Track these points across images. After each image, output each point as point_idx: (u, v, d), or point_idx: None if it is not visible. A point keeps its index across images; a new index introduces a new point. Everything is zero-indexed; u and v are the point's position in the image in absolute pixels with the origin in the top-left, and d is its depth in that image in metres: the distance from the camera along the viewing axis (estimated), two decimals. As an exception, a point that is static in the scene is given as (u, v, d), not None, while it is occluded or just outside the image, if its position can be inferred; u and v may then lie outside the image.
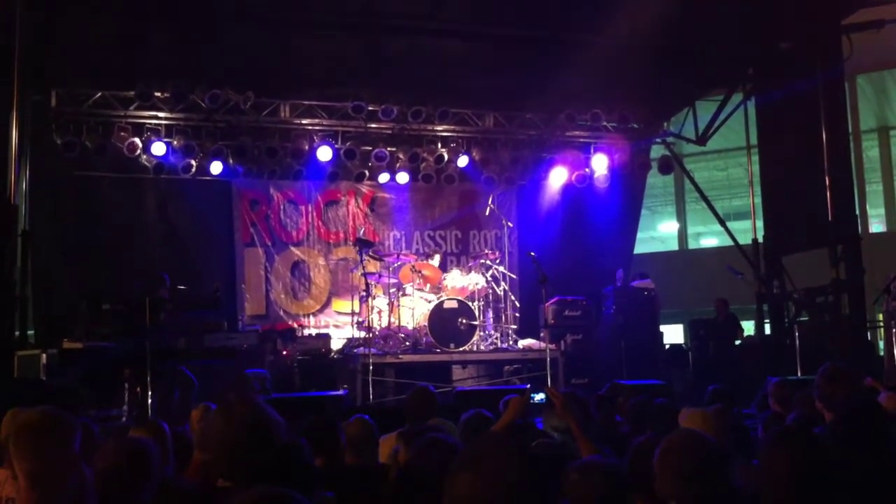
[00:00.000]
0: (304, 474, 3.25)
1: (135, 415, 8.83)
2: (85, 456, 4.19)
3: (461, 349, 12.20)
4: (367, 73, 13.29)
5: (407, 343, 12.38)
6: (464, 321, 12.13)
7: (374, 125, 14.44)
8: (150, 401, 8.74)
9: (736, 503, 3.06)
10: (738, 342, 14.22)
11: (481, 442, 2.35)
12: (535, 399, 4.62)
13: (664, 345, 14.72)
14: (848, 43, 12.55)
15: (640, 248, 19.06)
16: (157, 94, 13.21)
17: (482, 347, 12.62)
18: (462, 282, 12.83)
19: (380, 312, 12.54)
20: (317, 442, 4.64)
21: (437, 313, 12.11)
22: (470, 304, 12.33)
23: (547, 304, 12.72)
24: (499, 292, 13.32)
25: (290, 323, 14.61)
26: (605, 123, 15.09)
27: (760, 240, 14.50)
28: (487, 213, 14.29)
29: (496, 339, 12.98)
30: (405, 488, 3.49)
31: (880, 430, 3.73)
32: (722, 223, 16.17)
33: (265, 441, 3.07)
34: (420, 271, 12.74)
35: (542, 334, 12.82)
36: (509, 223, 14.79)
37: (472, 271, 13.21)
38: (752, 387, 9.36)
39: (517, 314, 13.85)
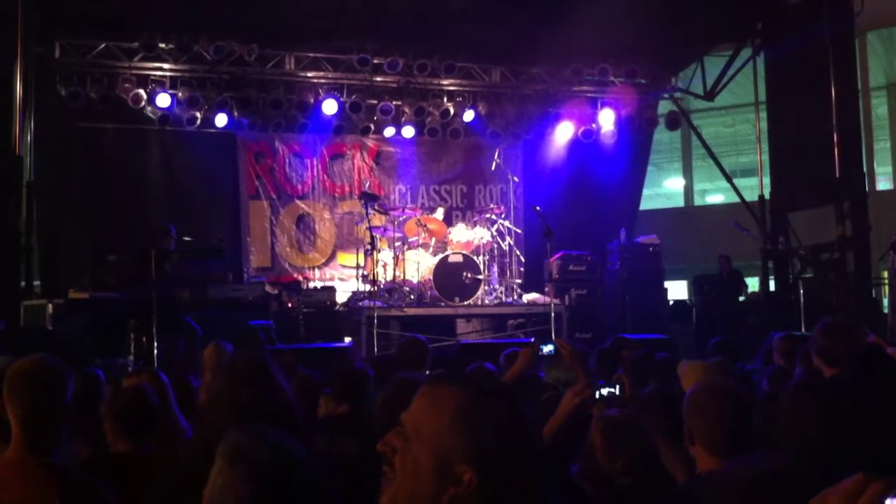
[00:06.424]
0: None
1: (140, 364, 8.88)
2: (91, 404, 4.25)
3: (466, 303, 12.23)
4: (371, 25, 13.13)
5: (412, 296, 12.40)
6: (468, 275, 12.14)
7: (379, 78, 14.34)
8: (155, 351, 8.78)
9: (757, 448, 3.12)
10: (742, 298, 14.24)
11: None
12: (544, 351, 4.61)
13: (668, 300, 14.74)
14: (859, -3, 12.43)
15: (645, 205, 19.01)
16: (162, 45, 13.12)
17: (486, 301, 12.64)
18: (467, 236, 12.83)
19: (385, 266, 12.55)
20: (344, 389, 4.67)
21: (442, 267, 12.12)
22: (475, 258, 12.33)
23: (552, 259, 12.75)
24: (504, 247, 13.31)
25: (295, 276, 14.61)
26: (612, 78, 14.96)
27: (767, 197, 14.45)
28: (493, 167, 14.24)
29: (500, 293, 13.00)
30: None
31: (890, 380, 3.74)
32: (728, 180, 16.14)
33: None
34: (425, 225, 12.73)
35: (546, 289, 12.87)
36: (515, 178, 14.73)
37: (478, 225, 13.20)
38: (755, 342, 9.38)
39: (522, 269, 13.85)
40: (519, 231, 14.06)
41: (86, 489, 3.02)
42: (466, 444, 1.55)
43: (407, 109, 14.71)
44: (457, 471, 1.53)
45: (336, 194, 15.32)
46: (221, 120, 13.87)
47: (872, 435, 3.22)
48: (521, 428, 1.60)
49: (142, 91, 13.27)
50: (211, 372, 3.94)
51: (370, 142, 15.43)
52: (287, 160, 15.10)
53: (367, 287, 12.29)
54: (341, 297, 13.49)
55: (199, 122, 13.86)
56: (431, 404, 1.60)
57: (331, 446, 4.05)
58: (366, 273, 12.66)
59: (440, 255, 12.25)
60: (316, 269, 15.01)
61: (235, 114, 14.01)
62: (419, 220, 12.76)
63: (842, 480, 1.23)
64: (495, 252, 13.14)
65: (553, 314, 11.21)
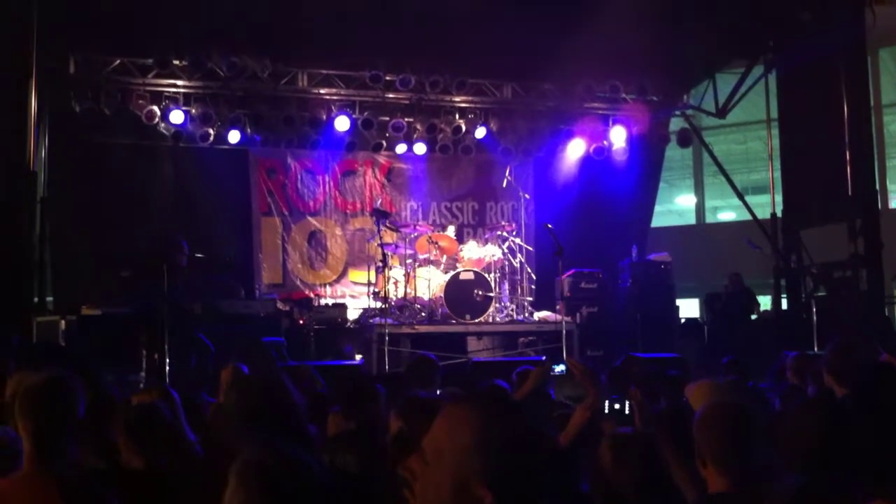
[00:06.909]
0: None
1: (152, 380, 8.90)
2: (103, 420, 4.26)
3: (477, 320, 12.22)
4: (382, 40, 13.10)
5: (423, 314, 12.40)
6: (479, 293, 12.14)
7: (391, 95, 14.36)
8: (167, 367, 8.80)
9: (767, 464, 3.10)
10: (754, 316, 14.18)
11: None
12: (556, 371, 4.61)
13: (680, 318, 14.69)
14: (871, 14, 12.40)
15: (657, 222, 18.99)
16: (175, 62, 13.18)
17: (498, 319, 12.62)
18: (478, 253, 12.83)
19: (396, 283, 12.55)
20: (351, 405, 4.68)
21: (453, 284, 12.12)
22: (486, 275, 12.33)
23: (563, 277, 12.73)
24: (515, 264, 13.31)
25: (306, 292, 14.62)
26: (623, 95, 14.96)
27: (779, 214, 14.41)
28: (504, 184, 14.25)
29: (512, 310, 12.98)
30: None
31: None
32: (740, 197, 16.08)
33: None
34: (436, 242, 12.74)
35: (557, 306, 12.85)
36: (526, 195, 14.73)
37: (489, 243, 13.21)
38: (767, 361, 9.34)
39: (533, 286, 13.83)
40: (530, 248, 14.06)
41: (88, 493, 3.04)
42: (486, 466, 1.54)
43: (419, 126, 14.73)
44: (477, 494, 1.52)
45: (347, 211, 15.33)
46: (234, 136, 13.91)
47: (873, 443, 3.21)
48: (538, 449, 1.59)
49: (155, 107, 13.31)
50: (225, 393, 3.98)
51: (382, 158, 15.46)
52: (299, 176, 15.13)
53: (379, 304, 12.30)
54: (352, 313, 13.50)
55: (212, 138, 13.88)
56: (451, 428, 1.59)
57: (333, 459, 4.06)
58: (377, 290, 12.67)
59: (451, 273, 12.26)
60: (327, 286, 15.00)
61: (248, 130, 14.06)
62: (430, 237, 12.78)
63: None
64: (506, 269, 13.14)
65: (564, 332, 11.18)
